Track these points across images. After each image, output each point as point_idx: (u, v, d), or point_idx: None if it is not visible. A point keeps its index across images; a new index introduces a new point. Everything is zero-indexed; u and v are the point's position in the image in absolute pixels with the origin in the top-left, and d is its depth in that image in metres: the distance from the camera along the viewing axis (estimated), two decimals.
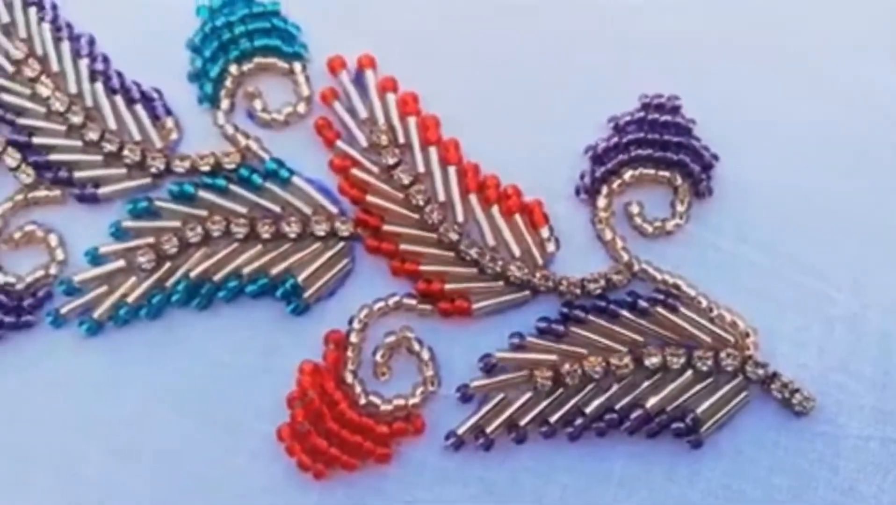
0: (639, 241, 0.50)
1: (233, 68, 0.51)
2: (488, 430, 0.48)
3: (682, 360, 0.48)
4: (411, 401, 0.48)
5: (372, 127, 0.50)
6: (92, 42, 0.52)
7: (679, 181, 0.49)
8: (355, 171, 0.49)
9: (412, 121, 0.50)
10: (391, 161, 0.49)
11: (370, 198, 0.49)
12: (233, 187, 0.50)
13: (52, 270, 0.50)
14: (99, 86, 0.51)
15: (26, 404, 0.49)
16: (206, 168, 0.50)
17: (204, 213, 0.49)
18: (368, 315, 0.49)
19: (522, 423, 0.48)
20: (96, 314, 0.49)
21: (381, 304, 0.49)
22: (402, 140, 0.50)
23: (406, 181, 0.49)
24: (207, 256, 0.49)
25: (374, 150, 0.50)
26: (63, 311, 0.49)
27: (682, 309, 0.49)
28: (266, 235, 0.49)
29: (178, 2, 0.52)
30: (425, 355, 0.48)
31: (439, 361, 0.49)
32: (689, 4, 0.51)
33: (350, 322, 0.49)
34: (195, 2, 0.52)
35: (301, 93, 0.50)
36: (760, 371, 0.48)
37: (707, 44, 0.51)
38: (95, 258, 0.49)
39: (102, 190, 0.50)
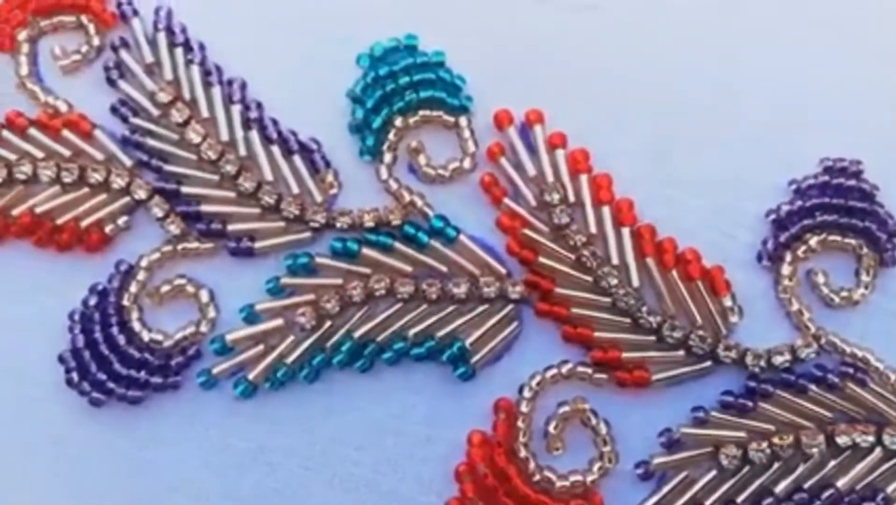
0: (821, 311, 0.47)
1: (397, 121, 0.48)
2: None
3: (872, 438, 0.45)
4: (588, 477, 0.45)
5: (541, 185, 0.47)
6: (244, 87, 0.49)
7: (864, 249, 0.47)
8: (526, 231, 0.47)
9: (584, 179, 0.47)
10: (563, 221, 0.47)
11: (542, 259, 0.46)
12: (397, 245, 0.47)
13: (203, 328, 0.47)
14: (254, 134, 0.48)
15: (172, 474, 0.46)
16: (369, 224, 0.47)
17: (367, 270, 0.47)
18: (540, 383, 0.46)
19: (707, 503, 0.45)
20: (251, 375, 0.46)
21: (553, 371, 0.46)
22: (572, 199, 0.47)
23: (579, 242, 0.46)
24: (370, 316, 0.47)
25: (543, 208, 0.47)
26: (215, 371, 0.46)
27: (871, 383, 0.46)
28: (432, 296, 0.46)
29: (336, 49, 0.49)
30: (602, 429, 0.45)
31: (614, 433, 0.45)
32: (867, 68, 0.49)
33: (520, 390, 0.46)
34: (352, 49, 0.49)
35: (467, 148, 0.48)
36: None
37: (884, 105, 0.49)
38: (251, 316, 0.46)
39: (258, 244, 0.47)
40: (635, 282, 0.47)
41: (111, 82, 0.49)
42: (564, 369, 0.46)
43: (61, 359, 0.47)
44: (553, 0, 0.50)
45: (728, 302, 0.46)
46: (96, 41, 0.50)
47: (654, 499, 0.45)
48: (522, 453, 0.45)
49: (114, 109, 0.49)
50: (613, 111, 0.49)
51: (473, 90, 0.49)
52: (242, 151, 0.48)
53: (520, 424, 0.45)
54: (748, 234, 0.48)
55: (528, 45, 0.49)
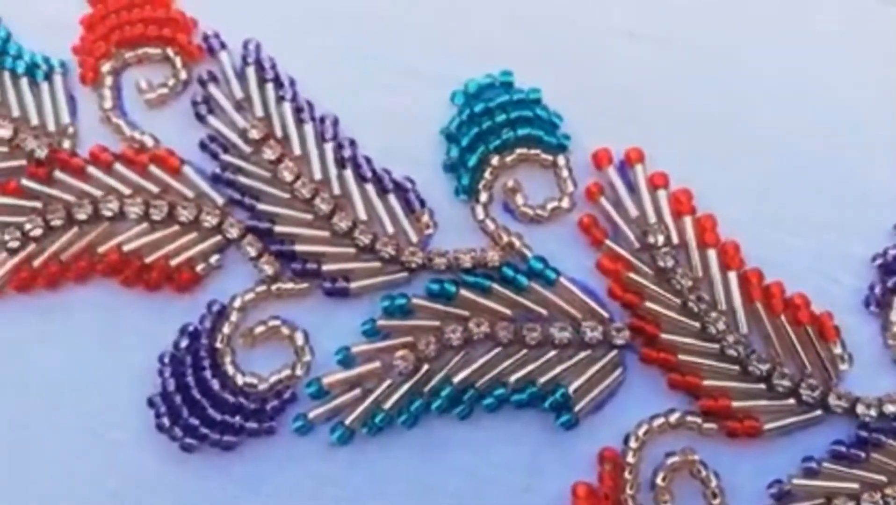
0: None
1: (494, 159, 0.47)
2: None
3: None
4: None
5: (644, 226, 0.46)
6: (336, 124, 0.48)
7: None
8: (630, 275, 0.45)
9: (688, 221, 0.46)
10: (668, 264, 0.45)
11: (647, 304, 0.45)
12: (495, 286, 0.46)
13: (298, 371, 0.45)
14: (348, 173, 0.47)
15: None
16: (466, 265, 0.46)
17: (465, 313, 0.45)
18: (647, 433, 0.44)
19: None
20: (348, 420, 0.45)
21: (660, 420, 0.44)
22: (675, 241, 0.46)
23: (685, 286, 0.45)
24: (468, 360, 0.45)
25: (645, 250, 0.46)
26: (311, 416, 0.45)
27: None
28: (533, 341, 0.45)
29: (429, 86, 0.48)
30: (712, 481, 0.44)
31: (724, 484, 0.44)
32: None
33: (626, 440, 0.44)
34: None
35: (565, 187, 0.47)
36: None
37: None
38: (347, 359, 0.45)
39: (354, 284, 0.46)
40: (744, 328, 0.45)
41: (200, 118, 0.48)
42: (672, 418, 0.45)
43: (151, 403, 0.45)
44: (649, 36, 0.48)
45: (837, 349, 0.45)
46: (183, 74, 0.49)
47: None
48: None
49: (203, 146, 0.48)
50: (714, 150, 0.48)
51: (569, 128, 0.48)
52: (336, 190, 0.47)
53: (626, 475, 0.44)
54: (853, 279, 0.47)
55: (624, 82, 0.48)
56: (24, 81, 0.49)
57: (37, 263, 0.47)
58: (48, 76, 0.49)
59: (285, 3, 0.50)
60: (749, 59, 0.48)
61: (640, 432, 0.44)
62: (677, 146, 0.48)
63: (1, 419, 0.46)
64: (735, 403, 0.45)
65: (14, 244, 0.47)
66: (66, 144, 0.49)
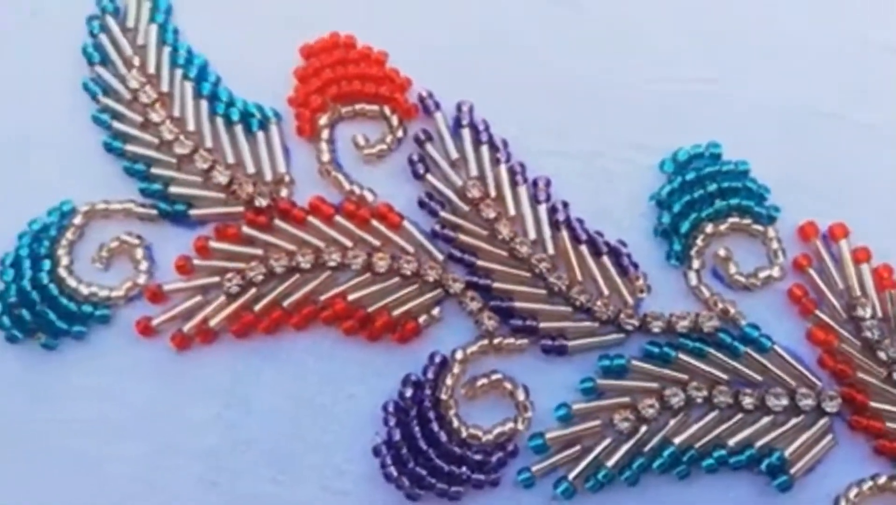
0: None
1: (708, 227, 0.49)
2: None
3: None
4: None
5: (850, 298, 0.48)
6: (549, 185, 0.50)
7: None
8: (841, 346, 0.47)
9: (892, 294, 0.48)
10: (875, 336, 0.48)
11: (859, 375, 0.47)
12: (711, 351, 0.47)
13: (520, 425, 0.47)
14: (562, 234, 0.49)
15: None
16: (682, 329, 0.48)
17: (683, 376, 0.47)
18: (858, 495, 0.46)
19: None
20: (571, 476, 0.46)
21: (868, 484, 0.46)
22: (880, 314, 0.48)
23: (890, 357, 0.47)
24: (686, 422, 0.47)
25: (852, 322, 0.48)
26: (535, 469, 0.46)
27: None
28: (749, 406, 0.47)
29: (633, 155, 0.50)
30: None
31: None
32: None
33: (836, 502, 0.46)
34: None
35: (775, 257, 0.49)
36: None
37: None
38: (567, 415, 0.46)
39: (572, 343, 0.48)
40: None
41: (418, 176, 0.50)
42: (880, 481, 0.46)
43: (376, 451, 0.46)
44: (850, 117, 0.51)
45: None
46: (400, 133, 0.50)
47: None
48: None
49: (422, 203, 0.49)
50: None
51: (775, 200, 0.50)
52: (551, 250, 0.49)
53: None
54: None
55: (828, 159, 0.50)
56: (238, 129, 0.50)
57: (258, 307, 0.48)
58: (263, 125, 0.51)
59: (494, 67, 0.51)
60: None
61: (851, 495, 0.46)
62: (876, 222, 0.49)
63: (223, 466, 0.47)
64: None
65: (234, 289, 0.48)
66: (284, 193, 0.50)
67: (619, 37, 0.51)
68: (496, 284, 0.48)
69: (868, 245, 0.49)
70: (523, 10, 0.52)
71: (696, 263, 0.49)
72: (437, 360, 0.48)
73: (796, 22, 0.52)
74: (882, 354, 0.48)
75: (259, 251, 0.49)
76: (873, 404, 0.47)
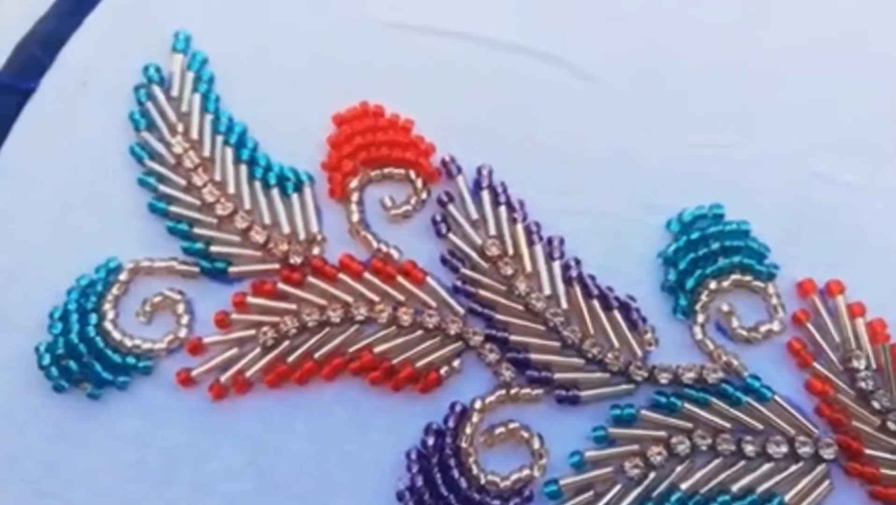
0: None
1: (712, 283, 0.52)
2: None
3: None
4: None
5: (846, 351, 0.51)
6: (562, 244, 0.53)
7: None
8: (837, 396, 0.50)
9: (885, 347, 0.51)
10: (869, 387, 0.51)
11: (854, 423, 0.50)
12: (714, 401, 0.51)
13: (536, 472, 0.50)
14: (576, 290, 0.52)
15: None
16: (688, 380, 0.51)
17: (688, 425, 0.50)
18: None
19: None
20: None
21: None
22: (874, 366, 0.51)
23: (884, 407, 0.50)
24: (691, 469, 0.50)
25: (848, 373, 0.51)
26: None
27: None
28: (750, 453, 0.50)
29: (643, 216, 0.53)
30: None
31: None
32: None
33: None
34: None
35: (775, 312, 0.52)
36: None
37: None
38: (581, 463, 0.50)
39: (584, 393, 0.51)
40: None
41: (440, 234, 0.53)
42: None
43: (400, 497, 0.50)
44: (840, 178, 0.54)
45: None
46: (424, 195, 0.54)
47: None
48: None
49: (444, 260, 0.53)
50: None
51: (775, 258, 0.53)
52: (564, 305, 0.52)
53: None
54: None
55: (823, 219, 0.54)
56: (274, 192, 0.54)
57: (291, 359, 0.52)
58: (298, 188, 0.54)
59: (512, 134, 0.55)
60: None
61: None
62: (872, 279, 0.53)
63: None
64: None
65: (270, 342, 0.52)
66: (316, 251, 0.54)
67: (629, 106, 0.55)
68: (513, 337, 0.52)
69: (863, 300, 0.52)
70: (543, 81, 0.56)
71: (700, 318, 0.52)
72: (458, 409, 0.51)
73: (798, 87, 0.55)
74: (876, 404, 0.51)
75: (293, 306, 0.53)
76: (868, 451, 0.50)
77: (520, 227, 0.53)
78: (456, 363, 0.52)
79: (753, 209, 0.54)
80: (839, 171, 0.54)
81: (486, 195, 0.54)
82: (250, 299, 0.52)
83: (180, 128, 0.55)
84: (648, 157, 0.54)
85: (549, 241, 0.53)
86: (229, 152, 0.54)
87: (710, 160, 0.54)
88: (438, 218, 0.54)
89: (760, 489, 0.49)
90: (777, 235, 0.54)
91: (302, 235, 0.54)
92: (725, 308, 0.52)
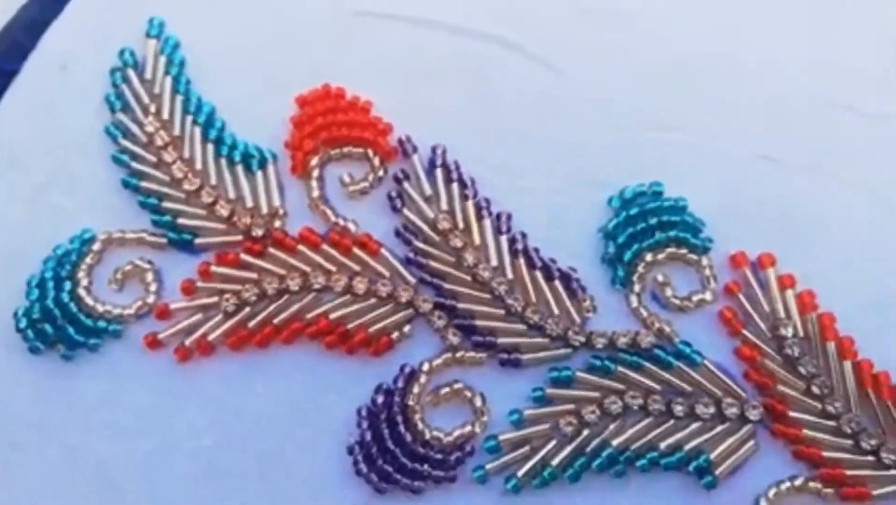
0: None
1: (647, 256, 0.55)
2: None
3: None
4: None
5: (775, 320, 0.54)
6: (510, 219, 0.57)
7: None
8: (764, 361, 0.54)
9: (812, 317, 0.54)
10: (795, 353, 0.54)
11: (779, 387, 0.53)
12: (646, 364, 0.54)
13: (477, 429, 0.53)
14: (520, 261, 0.56)
15: None
16: (622, 345, 0.54)
17: (622, 387, 0.54)
18: (776, 495, 0.52)
19: None
20: (520, 473, 0.53)
21: (787, 484, 0.52)
22: (801, 334, 0.54)
23: (809, 373, 0.54)
24: (623, 427, 0.53)
25: (776, 340, 0.54)
26: (488, 467, 0.53)
27: None
28: (679, 413, 0.53)
29: (589, 191, 0.57)
30: None
31: None
32: None
33: (756, 502, 0.52)
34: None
35: (708, 283, 0.55)
36: None
37: None
38: (519, 420, 0.53)
39: (525, 357, 0.54)
40: (856, 409, 0.53)
41: (395, 209, 0.57)
42: (797, 483, 0.52)
43: (350, 450, 0.53)
44: (783, 160, 0.57)
45: None
46: (381, 172, 0.58)
47: None
48: None
49: (398, 233, 0.56)
50: (839, 257, 0.56)
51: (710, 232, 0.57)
52: (509, 275, 0.56)
53: None
54: None
55: (761, 200, 0.57)
56: (239, 168, 0.58)
57: (252, 324, 0.55)
58: (261, 165, 0.58)
59: (468, 116, 0.59)
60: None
61: (770, 494, 0.52)
62: (804, 254, 0.56)
63: (213, 468, 0.54)
64: (849, 472, 0.52)
65: (231, 308, 0.56)
66: (277, 224, 0.57)
67: (589, 97, 0.58)
68: (460, 305, 0.55)
69: (793, 272, 0.56)
70: (506, 70, 0.59)
71: (637, 288, 0.55)
72: (407, 371, 0.54)
73: (751, 79, 0.59)
74: (802, 369, 0.54)
75: (254, 275, 0.56)
76: (792, 414, 0.53)
77: (470, 204, 0.57)
78: (406, 329, 0.55)
79: (694, 188, 0.57)
80: (782, 154, 0.57)
81: (439, 173, 0.57)
82: (214, 268, 0.56)
83: (153, 108, 0.59)
84: (602, 143, 0.57)
85: (498, 216, 0.57)
86: (198, 131, 0.58)
87: (659, 144, 0.57)
88: (394, 194, 0.57)
89: (688, 447, 0.53)
90: (714, 212, 0.57)
91: (265, 210, 0.57)
92: (661, 278, 0.55)
